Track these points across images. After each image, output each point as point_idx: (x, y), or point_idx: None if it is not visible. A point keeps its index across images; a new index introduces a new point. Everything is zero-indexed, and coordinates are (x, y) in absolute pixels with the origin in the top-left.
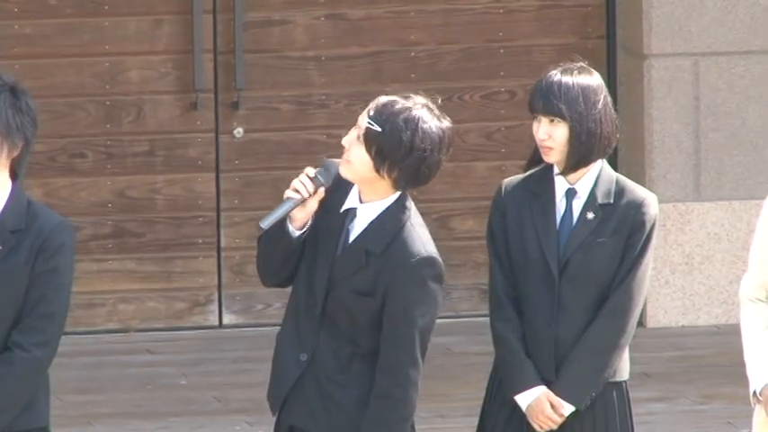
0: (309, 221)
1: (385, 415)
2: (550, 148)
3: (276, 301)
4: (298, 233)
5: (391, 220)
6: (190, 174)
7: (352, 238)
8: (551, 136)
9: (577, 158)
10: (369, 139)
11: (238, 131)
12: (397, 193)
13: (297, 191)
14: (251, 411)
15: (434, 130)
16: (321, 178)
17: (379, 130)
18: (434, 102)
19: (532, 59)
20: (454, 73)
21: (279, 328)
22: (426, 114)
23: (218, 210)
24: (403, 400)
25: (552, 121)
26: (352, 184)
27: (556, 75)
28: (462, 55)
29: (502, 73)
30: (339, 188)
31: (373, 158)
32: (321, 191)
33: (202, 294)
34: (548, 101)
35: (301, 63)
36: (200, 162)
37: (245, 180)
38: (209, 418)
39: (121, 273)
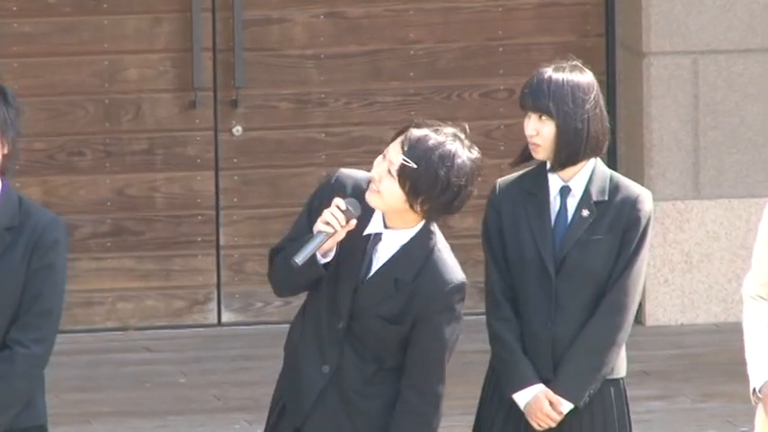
0: (335, 249)
1: (415, 430)
2: (538, 145)
3: (275, 299)
4: (325, 261)
5: (419, 247)
6: (189, 172)
7: (377, 263)
8: (539, 133)
9: (565, 156)
10: (403, 175)
11: (237, 130)
12: (423, 222)
13: (328, 223)
14: (250, 410)
15: (468, 163)
16: (352, 209)
17: (415, 166)
18: (463, 130)
19: (531, 58)
20: (453, 71)
21: (277, 326)
22: (459, 148)
23: (217, 208)
24: (432, 416)
25: (541, 117)
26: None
27: (547, 72)
28: (461, 53)
29: (501, 71)
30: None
31: (407, 194)
32: (353, 222)
33: (201, 293)
34: (537, 98)
35: (300, 61)
36: (199, 160)
37: (244, 178)
38: (209, 416)
39: (120, 271)
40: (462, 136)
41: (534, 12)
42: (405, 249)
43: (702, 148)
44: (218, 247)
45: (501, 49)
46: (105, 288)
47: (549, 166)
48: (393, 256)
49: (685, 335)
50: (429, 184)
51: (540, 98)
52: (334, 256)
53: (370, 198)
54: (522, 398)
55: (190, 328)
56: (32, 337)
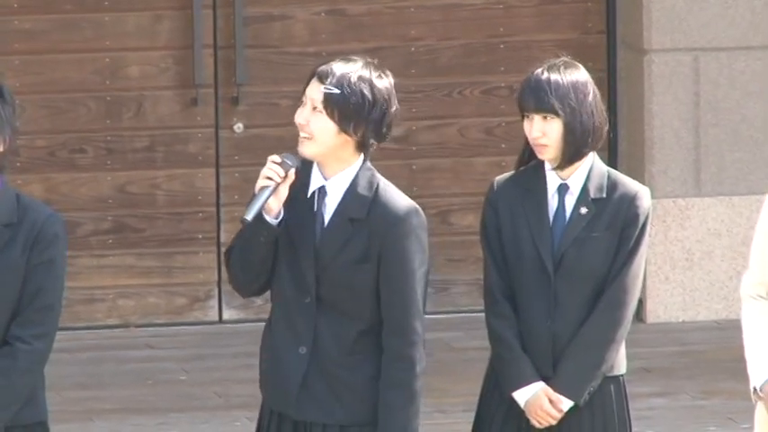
0: (282, 211)
1: (401, 376)
2: (545, 146)
3: None
4: (276, 221)
5: (364, 184)
6: (190, 169)
7: (329, 214)
8: (546, 133)
9: (572, 152)
10: (330, 104)
11: (238, 127)
12: (361, 158)
13: (269, 178)
14: (252, 407)
15: (385, 84)
16: (288, 161)
17: (338, 91)
18: (373, 60)
19: (533, 55)
20: (454, 68)
21: None
22: (373, 71)
23: (218, 205)
24: (415, 358)
25: (545, 118)
26: (311, 171)
27: (543, 72)
28: (462, 50)
29: (502, 68)
30: (298, 176)
31: (338, 122)
32: (292, 173)
33: (202, 290)
34: (539, 98)
35: (301, 59)
36: (200, 157)
37: (245, 175)
38: (210, 413)
39: (121, 268)
40: (374, 64)
41: (535, 9)
42: (350, 190)
43: (703, 145)
44: (218, 245)
45: (502, 46)
46: (106, 285)
47: (551, 165)
48: (341, 199)
49: (686, 332)
50: (356, 105)
51: (543, 98)
52: (284, 228)
53: (303, 148)
54: (522, 396)
55: (191, 325)
56: (33, 333)
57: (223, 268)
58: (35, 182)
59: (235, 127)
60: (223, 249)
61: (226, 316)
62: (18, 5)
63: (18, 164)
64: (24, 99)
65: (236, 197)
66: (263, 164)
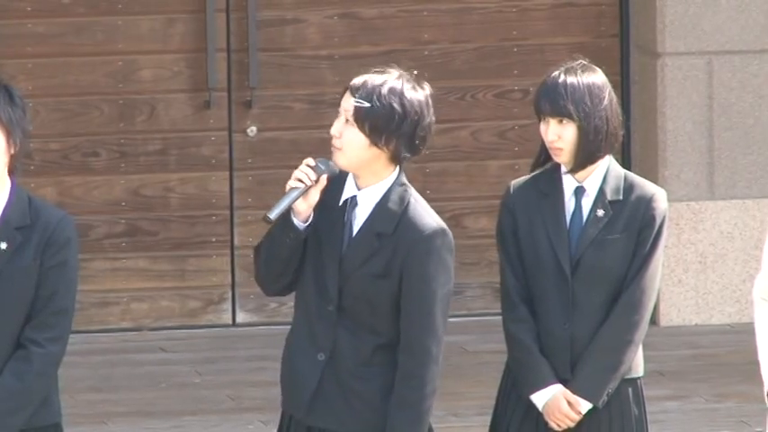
0: (311, 215)
1: (409, 395)
2: (560, 149)
3: (290, 300)
4: (303, 225)
5: (395, 199)
6: (203, 172)
7: (357, 225)
8: (561, 137)
9: (586, 156)
10: (360, 117)
11: (252, 130)
12: (395, 172)
13: (300, 180)
14: (265, 410)
15: (418, 95)
16: (322, 166)
17: (368, 105)
18: (409, 73)
19: (546, 58)
20: (467, 72)
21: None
22: (406, 83)
23: (231, 208)
24: (425, 379)
25: (561, 121)
26: (345, 180)
27: (560, 75)
28: (476, 54)
29: (515, 72)
30: (333, 184)
31: (369, 135)
32: (323, 178)
33: (216, 293)
34: (555, 102)
35: (314, 62)
36: (213, 161)
37: (258, 179)
38: (223, 416)
39: (135, 271)
40: (408, 76)
41: (549, 12)
42: (381, 204)
43: (717, 148)
44: (232, 248)
45: (515, 49)
46: (120, 288)
47: (566, 168)
48: (371, 212)
49: (700, 335)
50: (386, 118)
51: (558, 102)
52: (314, 234)
53: (336, 158)
54: (540, 398)
55: (204, 328)
56: (48, 336)
57: (236, 271)
58: (48, 185)
59: (248, 130)
60: (237, 252)
61: (239, 319)
62: (31, 9)
63: (31, 167)
64: (37, 102)
65: (249, 200)
66: (277, 167)
